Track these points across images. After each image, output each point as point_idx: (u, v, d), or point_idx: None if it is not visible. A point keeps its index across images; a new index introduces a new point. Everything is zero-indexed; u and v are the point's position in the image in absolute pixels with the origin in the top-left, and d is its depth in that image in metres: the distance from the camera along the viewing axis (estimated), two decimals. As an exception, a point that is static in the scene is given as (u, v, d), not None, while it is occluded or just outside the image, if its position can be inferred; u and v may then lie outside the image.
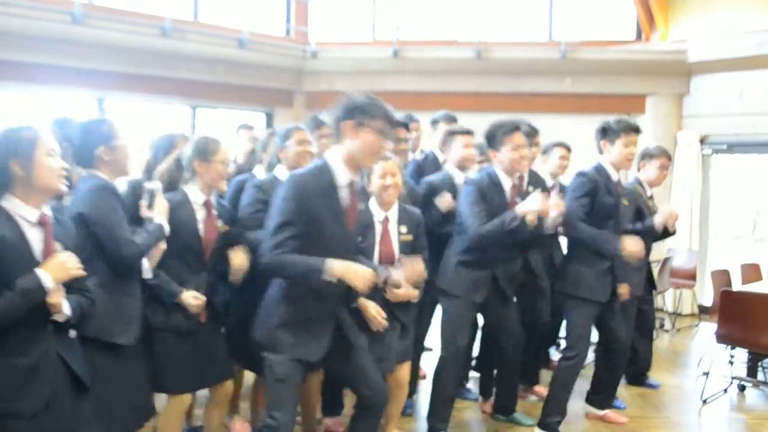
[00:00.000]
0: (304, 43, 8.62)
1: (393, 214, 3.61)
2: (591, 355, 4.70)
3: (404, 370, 3.77)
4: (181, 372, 3.15)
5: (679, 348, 6.77)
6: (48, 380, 2.24)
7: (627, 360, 4.68)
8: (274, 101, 8.53)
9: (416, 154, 5.12)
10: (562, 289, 4.18)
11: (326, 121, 4.33)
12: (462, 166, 4.34)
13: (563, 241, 4.82)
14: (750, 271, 6.38)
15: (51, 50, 6.68)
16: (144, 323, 2.97)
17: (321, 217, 2.75)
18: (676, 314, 7.83)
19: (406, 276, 3.02)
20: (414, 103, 7.79)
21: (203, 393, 3.66)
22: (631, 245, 3.89)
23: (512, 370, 4.25)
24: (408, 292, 3.50)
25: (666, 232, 4.72)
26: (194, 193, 3.22)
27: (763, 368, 5.41)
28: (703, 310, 7.83)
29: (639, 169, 4.91)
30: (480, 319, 4.32)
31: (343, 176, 2.82)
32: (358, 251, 3.00)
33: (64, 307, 2.25)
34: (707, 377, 5.13)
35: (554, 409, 4.14)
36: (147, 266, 2.96)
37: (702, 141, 8.15)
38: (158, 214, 2.95)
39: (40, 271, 2.17)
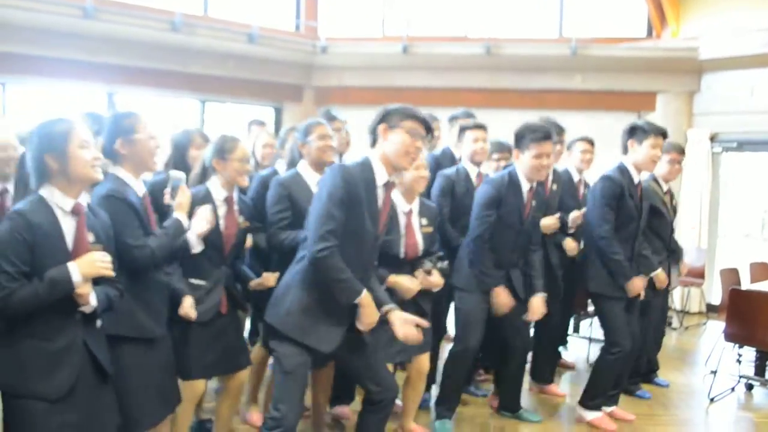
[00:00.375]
0: (314, 38, 8.62)
1: (415, 206, 3.69)
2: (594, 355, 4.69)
3: (424, 361, 3.80)
4: (197, 358, 3.20)
5: (686, 346, 6.76)
6: (73, 366, 2.31)
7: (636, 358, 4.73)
8: (283, 96, 8.54)
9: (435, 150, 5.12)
10: (592, 290, 4.24)
11: (338, 116, 4.41)
12: (474, 161, 4.37)
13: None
14: (759, 269, 6.36)
15: (62, 44, 6.71)
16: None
17: (362, 211, 2.79)
18: (684, 312, 7.81)
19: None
20: (423, 99, 7.79)
21: (214, 386, 3.70)
22: (637, 287, 4.11)
23: (519, 368, 4.30)
24: (437, 280, 3.65)
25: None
26: (216, 189, 3.27)
27: (772, 367, 5.39)
28: (711, 309, 7.81)
29: None
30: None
31: (381, 176, 2.87)
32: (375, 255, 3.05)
33: (91, 298, 2.32)
34: (715, 376, 5.12)
35: (599, 392, 4.30)
36: (194, 241, 3.07)
37: (712, 139, 8.12)
38: (178, 207, 2.96)
39: (71, 265, 2.24)
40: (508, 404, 4.41)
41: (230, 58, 7.86)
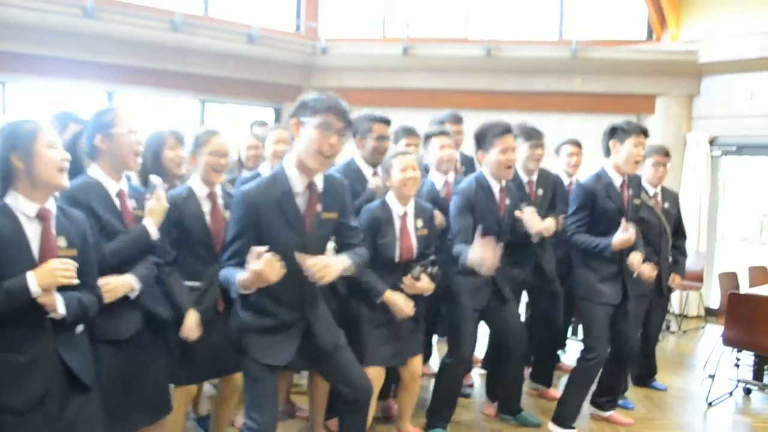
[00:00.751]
0: (314, 39, 8.62)
1: (410, 208, 3.64)
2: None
3: (417, 363, 3.79)
4: (188, 363, 3.17)
5: (684, 350, 6.75)
6: (43, 378, 2.23)
7: (633, 361, 4.74)
8: (283, 97, 8.54)
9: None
10: (579, 295, 4.19)
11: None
12: (441, 169, 4.23)
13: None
14: (757, 273, 6.36)
15: (62, 43, 6.70)
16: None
17: (270, 227, 2.65)
18: (683, 316, 7.81)
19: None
20: (423, 101, 7.83)
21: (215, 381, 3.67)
22: (634, 260, 3.99)
23: (517, 370, 4.27)
24: (425, 286, 3.57)
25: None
26: (198, 186, 3.23)
27: (770, 372, 5.40)
28: (710, 313, 7.81)
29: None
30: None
31: (297, 182, 2.69)
32: (321, 251, 2.84)
33: (58, 305, 2.22)
34: (713, 380, 5.12)
35: (570, 407, 4.21)
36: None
37: (711, 142, 8.13)
38: (149, 213, 2.85)
39: (29, 274, 2.14)
40: (509, 406, 4.38)
41: (230, 59, 7.85)
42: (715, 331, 6.72)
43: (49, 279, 2.17)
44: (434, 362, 5.23)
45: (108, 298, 2.38)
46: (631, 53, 8.29)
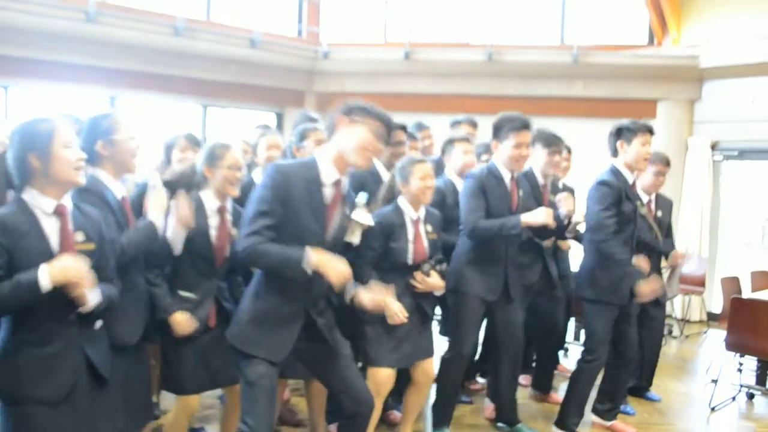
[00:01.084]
0: (316, 43, 8.64)
1: (421, 213, 3.68)
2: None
3: (429, 365, 3.77)
4: (189, 373, 3.15)
5: (687, 355, 6.75)
6: (70, 370, 2.29)
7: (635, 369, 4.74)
8: (285, 101, 8.55)
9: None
10: (581, 294, 4.18)
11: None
12: (463, 173, 4.30)
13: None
14: (760, 278, 6.35)
15: (65, 48, 6.73)
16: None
17: (298, 210, 2.66)
18: (685, 321, 7.80)
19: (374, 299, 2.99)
20: (425, 105, 7.84)
21: (218, 393, 3.67)
22: (645, 289, 3.96)
23: (514, 377, 4.21)
24: (437, 282, 3.60)
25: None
26: (208, 199, 3.19)
27: (772, 376, 5.38)
28: (712, 317, 7.80)
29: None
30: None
31: (329, 174, 2.74)
32: (335, 251, 2.84)
33: (90, 298, 2.25)
34: (716, 385, 5.11)
35: (572, 409, 4.22)
36: (175, 239, 3.00)
37: (713, 147, 8.13)
38: (153, 209, 2.86)
39: (43, 268, 2.15)
40: (505, 416, 4.31)
41: (232, 63, 7.87)
42: (717, 335, 6.72)
43: (61, 275, 2.16)
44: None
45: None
46: (632, 58, 8.30)
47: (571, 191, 5.08)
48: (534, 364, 5.11)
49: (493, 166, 3.95)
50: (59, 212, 2.30)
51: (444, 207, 4.12)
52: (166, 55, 7.40)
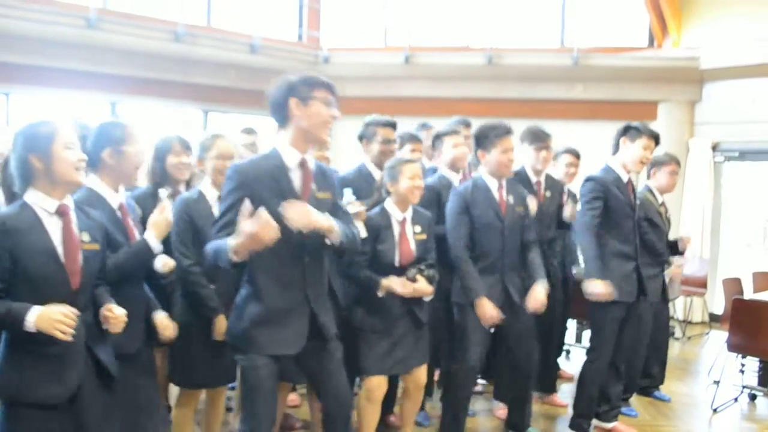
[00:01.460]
0: (316, 48, 8.65)
1: (408, 214, 3.65)
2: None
3: (422, 372, 3.77)
4: (198, 367, 3.19)
5: (689, 356, 6.74)
6: (77, 369, 2.30)
7: (638, 372, 4.74)
8: (285, 106, 8.55)
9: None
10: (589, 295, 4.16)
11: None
12: (455, 167, 4.32)
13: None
14: (762, 279, 6.35)
15: (66, 54, 6.75)
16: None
17: (267, 203, 2.59)
18: (687, 322, 7.80)
19: None
20: (425, 109, 7.84)
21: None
22: (598, 288, 3.96)
23: (525, 382, 4.13)
24: (423, 287, 3.54)
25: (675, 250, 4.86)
26: (208, 190, 3.28)
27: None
28: (714, 318, 7.79)
29: (649, 177, 4.91)
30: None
31: (291, 157, 2.72)
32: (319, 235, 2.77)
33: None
34: (718, 386, 5.11)
35: (583, 409, 4.26)
36: (157, 264, 2.90)
37: (714, 148, 8.13)
38: (152, 226, 2.79)
39: (32, 311, 2.14)
40: (515, 422, 4.25)
41: (232, 68, 7.89)
42: (719, 337, 6.70)
43: (46, 325, 2.14)
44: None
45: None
46: (632, 60, 8.31)
47: (575, 197, 5.11)
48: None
49: (478, 177, 3.94)
50: (61, 212, 2.33)
51: (440, 204, 4.12)
52: (167, 61, 7.42)
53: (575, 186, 5.16)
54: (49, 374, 2.24)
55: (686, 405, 5.12)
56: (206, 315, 3.15)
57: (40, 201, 2.30)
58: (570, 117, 8.17)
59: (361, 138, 4.17)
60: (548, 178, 4.75)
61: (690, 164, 8.17)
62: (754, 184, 8.35)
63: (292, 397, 4.52)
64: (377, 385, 3.57)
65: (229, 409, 4.26)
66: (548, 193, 4.68)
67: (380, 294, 3.49)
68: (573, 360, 6.09)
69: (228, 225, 2.61)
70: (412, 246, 3.62)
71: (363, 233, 3.34)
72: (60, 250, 2.29)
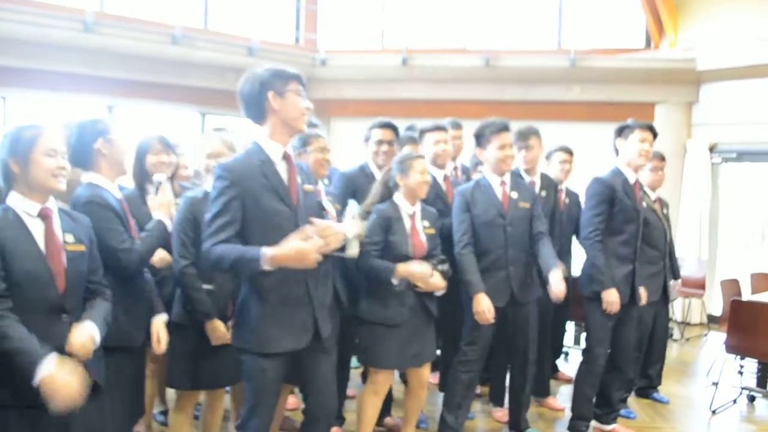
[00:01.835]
0: (313, 50, 8.65)
1: (417, 209, 3.72)
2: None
3: (426, 369, 3.80)
4: (196, 369, 3.19)
5: (687, 358, 6.74)
6: None
7: (636, 373, 4.74)
8: (283, 108, 8.55)
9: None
10: (582, 291, 4.21)
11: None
12: (437, 163, 4.30)
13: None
14: (760, 280, 6.35)
15: (63, 58, 6.75)
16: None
17: (259, 197, 2.62)
18: (685, 324, 7.80)
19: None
20: (423, 111, 7.83)
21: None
22: (612, 297, 3.99)
23: (525, 381, 4.16)
24: (438, 282, 3.60)
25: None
26: (210, 189, 3.29)
27: (773, 378, 5.38)
28: (712, 320, 7.79)
29: None
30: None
31: (274, 150, 2.72)
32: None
33: (95, 340, 2.34)
34: (716, 387, 5.11)
35: (580, 411, 4.27)
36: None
37: (711, 149, 8.13)
38: (158, 207, 2.92)
39: (44, 366, 2.12)
40: (516, 423, 4.27)
41: (230, 71, 7.85)
42: (717, 338, 6.71)
43: (50, 391, 2.12)
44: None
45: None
46: (629, 61, 8.32)
47: (575, 196, 5.12)
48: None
49: (482, 178, 4.02)
50: (44, 215, 2.34)
51: (425, 200, 4.14)
52: (164, 64, 7.42)
53: (572, 184, 5.19)
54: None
55: (685, 407, 5.12)
56: (197, 319, 3.15)
57: (21, 204, 2.31)
58: (567, 118, 8.18)
59: (365, 140, 4.32)
60: (544, 177, 4.78)
61: (687, 165, 8.18)
62: (752, 186, 8.36)
63: (292, 400, 4.51)
64: (386, 379, 3.61)
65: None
66: (543, 193, 4.69)
67: (395, 281, 3.50)
68: (572, 362, 6.08)
69: (226, 227, 2.59)
70: (423, 239, 3.69)
71: (356, 252, 3.38)
72: (44, 253, 2.29)
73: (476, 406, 4.88)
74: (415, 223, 3.69)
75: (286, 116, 2.73)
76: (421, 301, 3.64)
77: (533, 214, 4.03)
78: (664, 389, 5.31)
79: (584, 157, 5.31)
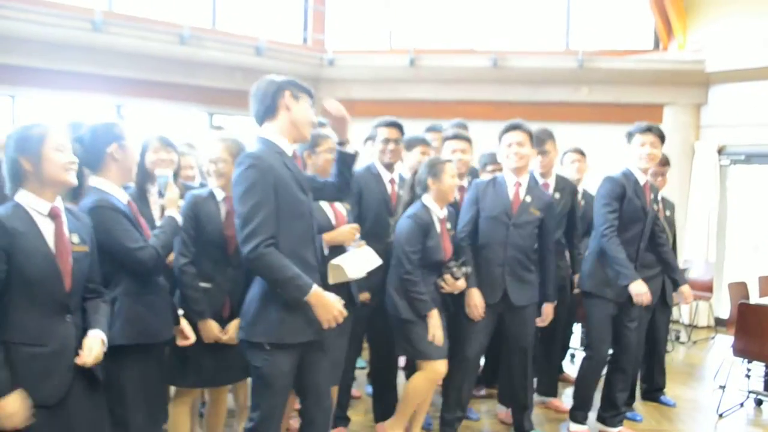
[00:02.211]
0: (321, 51, 8.66)
1: (446, 212, 3.86)
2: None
3: (443, 365, 3.88)
4: (196, 366, 3.19)
5: (694, 361, 6.71)
6: (67, 370, 2.30)
7: (637, 374, 4.75)
8: (290, 108, 8.55)
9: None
10: (583, 288, 4.27)
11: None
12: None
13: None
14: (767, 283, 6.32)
15: (71, 57, 6.77)
16: None
17: (288, 186, 2.65)
18: (692, 326, 7.76)
19: None
20: (430, 112, 7.83)
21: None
22: (640, 288, 4.03)
23: (525, 382, 4.17)
24: (462, 284, 3.81)
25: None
26: (217, 190, 3.33)
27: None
28: (720, 323, 7.75)
29: None
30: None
31: (287, 147, 2.76)
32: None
33: (101, 341, 2.40)
34: (723, 391, 5.08)
35: (580, 403, 4.38)
36: None
37: (720, 151, 8.10)
38: (168, 204, 2.95)
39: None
40: (518, 424, 4.28)
41: (238, 71, 7.89)
42: (725, 341, 6.68)
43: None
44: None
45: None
46: (638, 63, 8.29)
47: (591, 198, 5.10)
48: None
49: (499, 175, 4.11)
50: (54, 214, 2.35)
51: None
52: (172, 64, 7.44)
53: (587, 186, 5.17)
54: (40, 374, 2.24)
55: (691, 410, 5.10)
56: (191, 318, 3.13)
57: (32, 203, 2.32)
58: (575, 120, 8.16)
59: (368, 140, 4.34)
60: (559, 179, 4.77)
61: (696, 167, 8.15)
62: (761, 188, 8.31)
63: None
64: (442, 368, 3.79)
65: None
66: (557, 195, 4.68)
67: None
68: (578, 364, 6.04)
69: (270, 220, 2.58)
70: (450, 242, 3.84)
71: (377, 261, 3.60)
72: (54, 253, 2.30)
73: (482, 407, 4.88)
74: (445, 227, 3.82)
75: (296, 118, 2.77)
76: (443, 299, 3.82)
77: (544, 226, 4.06)
78: (671, 392, 5.29)
79: (592, 159, 5.29)
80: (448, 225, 3.85)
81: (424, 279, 3.73)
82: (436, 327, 3.71)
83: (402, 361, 4.64)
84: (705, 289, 7.43)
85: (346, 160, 3.07)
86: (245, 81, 7.83)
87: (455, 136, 4.45)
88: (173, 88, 7.58)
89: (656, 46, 8.69)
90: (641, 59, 8.37)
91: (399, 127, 4.28)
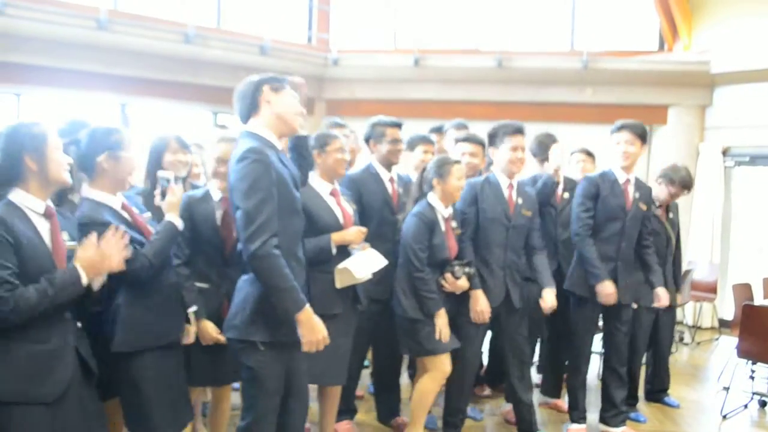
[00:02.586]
0: (326, 50, 8.66)
1: (450, 211, 3.87)
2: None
3: (447, 361, 3.89)
4: (196, 366, 3.18)
5: (698, 362, 6.70)
6: (68, 366, 2.31)
7: (640, 375, 4.76)
8: (294, 108, 8.56)
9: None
10: (567, 288, 4.30)
11: (345, 124, 4.53)
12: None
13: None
14: (772, 285, 6.31)
15: (76, 56, 6.77)
16: None
17: (286, 182, 2.62)
18: (696, 327, 7.75)
19: None
20: (434, 112, 7.83)
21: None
22: (606, 289, 4.08)
23: (525, 383, 4.14)
24: (463, 284, 3.79)
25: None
26: (214, 191, 3.33)
27: (785, 384, 5.34)
28: (724, 324, 7.75)
29: None
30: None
31: (276, 141, 2.72)
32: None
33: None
34: (727, 392, 5.07)
35: (572, 402, 4.42)
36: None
37: (724, 153, 8.09)
38: (168, 208, 2.85)
39: (78, 265, 2.28)
40: (521, 425, 4.24)
41: (242, 70, 7.78)
42: (729, 342, 6.66)
43: (93, 269, 2.35)
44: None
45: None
46: (642, 64, 8.28)
47: None
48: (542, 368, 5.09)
49: (491, 175, 4.09)
50: (49, 214, 2.36)
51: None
52: (177, 63, 7.44)
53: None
54: (40, 373, 2.24)
55: (695, 411, 5.09)
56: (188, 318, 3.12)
57: (28, 202, 2.31)
58: (579, 120, 8.15)
59: (368, 139, 4.24)
60: (567, 180, 4.77)
61: (700, 169, 8.13)
62: (765, 189, 8.29)
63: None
64: (448, 361, 3.80)
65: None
66: (566, 195, 4.68)
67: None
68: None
69: (274, 217, 2.53)
70: (455, 241, 3.85)
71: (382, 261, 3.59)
72: (51, 252, 2.32)
73: (485, 407, 4.88)
74: (450, 225, 3.83)
75: (280, 110, 2.71)
76: (446, 297, 3.83)
77: (532, 225, 4.11)
78: (675, 393, 5.28)
79: (597, 160, 5.29)
80: (453, 224, 3.86)
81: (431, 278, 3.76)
82: (443, 325, 3.73)
83: (405, 360, 4.64)
84: (709, 290, 7.42)
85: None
86: (250, 80, 7.94)
87: (467, 139, 4.44)
88: (178, 87, 7.58)
89: (661, 47, 8.68)
90: (646, 60, 8.36)
91: (401, 127, 4.30)
